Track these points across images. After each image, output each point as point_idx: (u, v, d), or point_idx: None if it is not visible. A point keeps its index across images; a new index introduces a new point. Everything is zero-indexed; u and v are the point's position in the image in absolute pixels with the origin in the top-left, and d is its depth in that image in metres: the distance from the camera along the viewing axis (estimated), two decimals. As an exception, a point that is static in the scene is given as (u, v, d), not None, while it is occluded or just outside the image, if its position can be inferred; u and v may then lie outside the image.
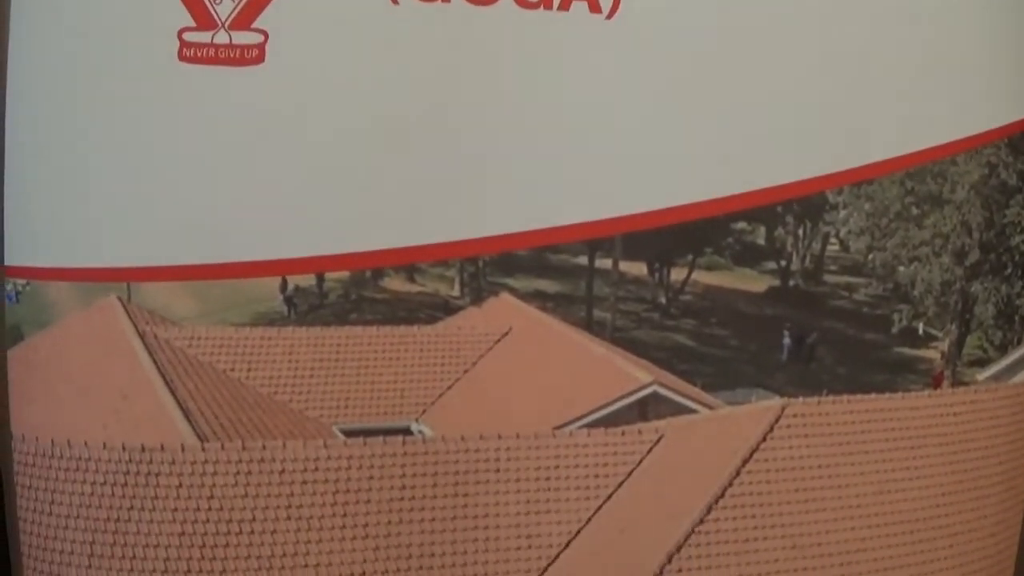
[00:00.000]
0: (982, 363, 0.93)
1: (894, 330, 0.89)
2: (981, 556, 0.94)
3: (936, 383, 0.91)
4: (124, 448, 0.83)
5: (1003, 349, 0.94)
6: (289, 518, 0.83)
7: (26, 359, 0.82)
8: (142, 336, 0.84)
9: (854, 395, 0.88)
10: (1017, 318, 0.94)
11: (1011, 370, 0.94)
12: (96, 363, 0.83)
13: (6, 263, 0.81)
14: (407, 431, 0.86)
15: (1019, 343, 0.94)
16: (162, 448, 0.83)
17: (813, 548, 0.88)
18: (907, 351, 0.89)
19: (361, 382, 0.85)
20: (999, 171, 0.90)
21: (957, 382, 0.92)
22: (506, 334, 0.87)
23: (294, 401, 0.85)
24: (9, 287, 0.82)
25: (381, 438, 0.84)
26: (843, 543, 0.89)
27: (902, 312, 0.89)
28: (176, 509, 0.83)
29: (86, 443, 0.82)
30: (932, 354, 0.91)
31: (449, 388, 0.86)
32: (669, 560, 0.86)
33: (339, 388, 0.85)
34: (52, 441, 0.83)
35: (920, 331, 0.90)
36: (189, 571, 0.83)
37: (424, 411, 0.86)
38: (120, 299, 0.81)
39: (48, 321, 0.82)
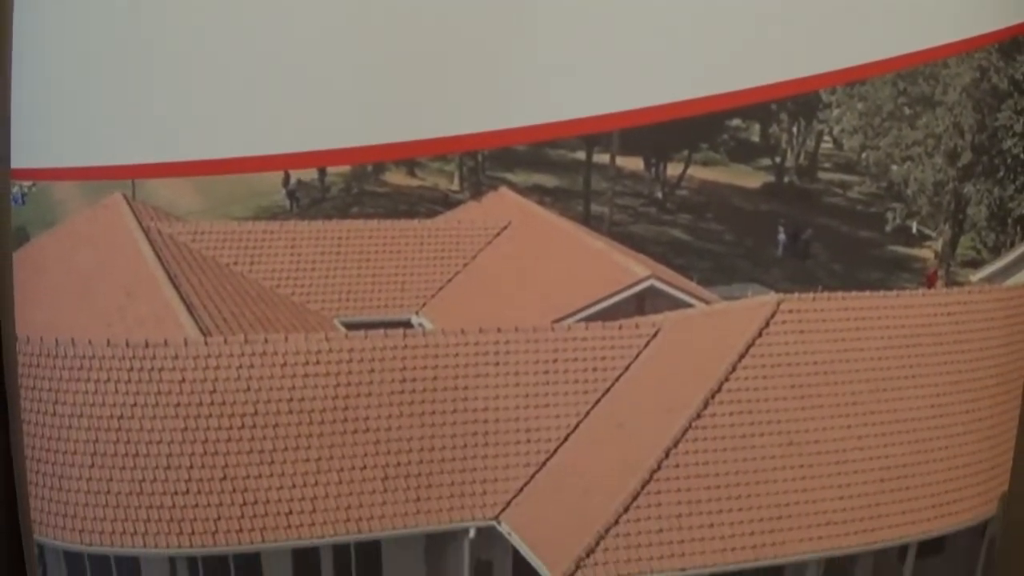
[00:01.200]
0: (976, 264, 1.11)
1: (888, 228, 1.07)
2: (977, 459, 1.12)
3: (930, 282, 1.09)
4: (128, 345, 0.95)
5: (996, 251, 1.12)
6: (291, 411, 0.99)
7: (31, 260, 0.93)
8: (146, 232, 0.99)
9: (849, 292, 1.06)
10: (1010, 221, 1.12)
11: (1005, 272, 1.12)
12: (101, 261, 0.97)
13: (13, 166, 0.95)
14: (408, 324, 1.02)
15: (1012, 246, 1.12)
16: (165, 343, 0.96)
17: (810, 445, 1.05)
18: (901, 249, 1.07)
19: (362, 275, 1.01)
20: (990, 75, 1.08)
21: (951, 282, 1.09)
22: (505, 228, 1.04)
23: (296, 294, 1.01)
24: (15, 189, 0.95)
25: (382, 331, 1.00)
26: (839, 441, 1.06)
27: (895, 211, 1.07)
28: (179, 404, 0.96)
29: (90, 341, 0.94)
30: (926, 253, 1.09)
31: (449, 281, 1.03)
32: (667, 455, 1.03)
33: (341, 281, 1.02)
34: (56, 341, 0.94)
35: (914, 230, 1.08)
36: (191, 466, 0.96)
37: (424, 304, 1.02)
38: (125, 196, 0.96)
39: (54, 221, 0.93)
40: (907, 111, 1.03)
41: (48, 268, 0.94)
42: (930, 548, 1.08)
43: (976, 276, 1.06)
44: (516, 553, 1.01)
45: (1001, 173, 1.06)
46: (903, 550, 1.08)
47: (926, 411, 1.04)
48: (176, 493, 0.97)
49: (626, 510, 0.98)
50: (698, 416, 0.99)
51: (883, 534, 1.04)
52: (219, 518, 0.98)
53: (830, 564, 1.05)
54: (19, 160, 0.93)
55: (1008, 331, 1.07)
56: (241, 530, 0.98)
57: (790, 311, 1.00)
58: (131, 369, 0.95)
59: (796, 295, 1.01)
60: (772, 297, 1.00)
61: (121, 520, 0.96)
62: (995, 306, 1.06)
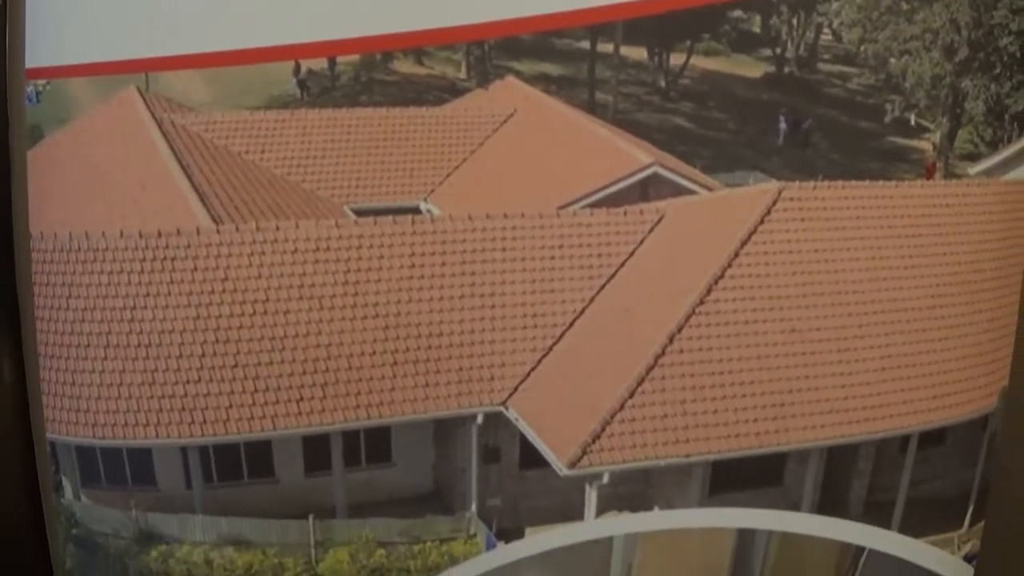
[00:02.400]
0: (973, 157, 1.32)
1: (887, 119, 1.27)
2: (977, 352, 1.31)
3: (929, 174, 1.30)
4: (141, 235, 1.09)
5: (994, 146, 1.32)
6: (301, 298, 1.17)
7: (46, 157, 1.06)
8: (160, 124, 1.18)
9: (848, 181, 1.27)
10: (1007, 117, 1.32)
11: (1003, 167, 1.33)
12: (115, 154, 1.14)
13: (27, 65, 1.05)
14: (416, 210, 1.23)
15: (1010, 141, 1.33)
16: (178, 232, 1.11)
17: (811, 333, 1.26)
18: (900, 140, 1.28)
19: (371, 162, 1.21)
20: (986, -27, 1.28)
21: (949, 174, 1.30)
22: (511, 116, 1.25)
23: (306, 181, 1.22)
24: (29, 89, 1.05)
25: (391, 217, 1.18)
26: (841, 329, 1.26)
27: (894, 103, 1.28)
28: (191, 293, 1.11)
29: (104, 234, 1.08)
30: (924, 145, 1.30)
31: (457, 168, 1.23)
32: (671, 340, 1.23)
33: (350, 168, 1.22)
34: (70, 235, 1.08)
35: (912, 122, 1.29)
36: (203, 355, 1.12)
37: (432, 191, 1.23)
38: (138, 89, 1.11)
39: (68, 118, 1.06)
40: (905, 6, 1.21)
41: (62, 164, 1.08)
42: (931, 440, 1.26)
43: (974, 169, 1.26)
44: (523, 439, 1.17)
45: (998, 70, 1.24)
46: (904, 441, 1.25)
47: (925, 301, 1.23)
48: (188, 382, 1.12)
49: (631, 395, 1.17)
50: (701, 302, 1.19)
51: (884, 424, 1.23)
52: (230, 406, 1.12)
53: (832, 453, 1.24)
54: (33, 59, 1.05)
55: (1006, 225, 1.25)
56: (252, 418, 1.13)
57: (791, 199, 1.20)
58: (144, 259, 1.10)
59: (797, 183, 1.19)
60: (773, 185, 1.19)
61: (133, 412, 1.11)
62: (993, 200, 1.25)
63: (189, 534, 1.16)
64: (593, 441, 1.11)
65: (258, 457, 1.15)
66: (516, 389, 1.11)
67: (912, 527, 1.20)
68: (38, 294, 1.10)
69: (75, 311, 1.10)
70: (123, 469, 1.15)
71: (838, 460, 1.17)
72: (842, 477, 1.18)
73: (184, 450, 1.14)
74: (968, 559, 1.26)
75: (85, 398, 1.11)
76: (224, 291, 1.11)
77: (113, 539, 1.16)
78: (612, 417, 1.10)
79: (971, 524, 1.25)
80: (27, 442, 1.17)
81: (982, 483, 1.24)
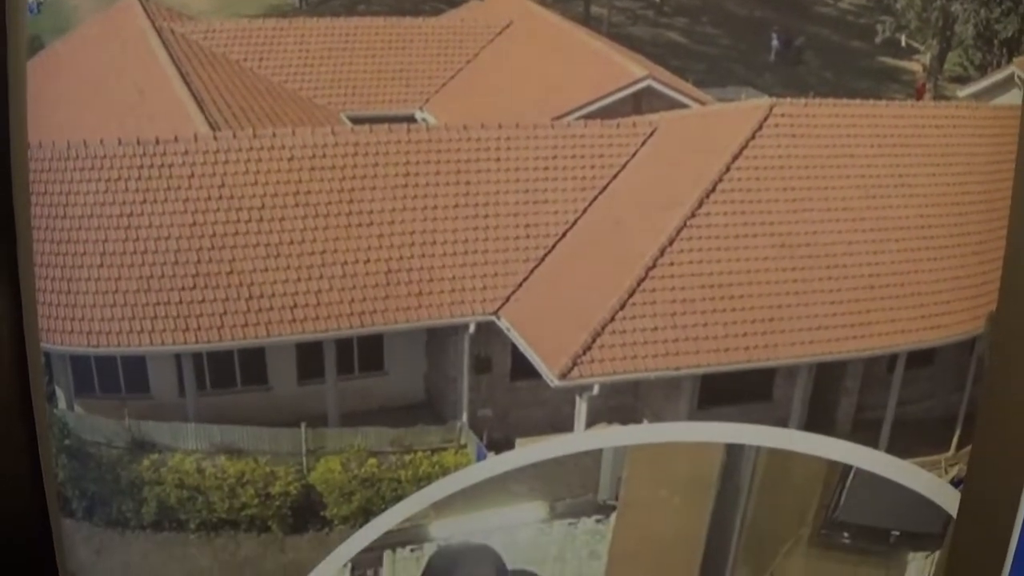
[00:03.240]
0: (963, 80, 1.35)
1: (877, 40, 1.30)
2: (965, 275, 1.34)
3: (918, 94, 1.33)
4: (138, 142, 1.13)
5: (983, 70, 1.35)
6: (296, 205, 1.20)
7: (45, 66, 1.09)
8: (159, 32, 1.21)
9: (839, 99, 1.30)
10: (996, 42, 1.35)
11: (991, 92, 1.36)
12: (114, 62, 1.17)
13: None
14: (411, 119, 1.25)
15: (999, 66, 1.37)
16: (176, 139, 1.15)
17: (802, 248, 1.29)
18: (890, 61, 1.31)
19: (368, 71, 1.24)
20: None
21: (939, 96, 1.34)
22: (507, 27, 1.27)
23: (304, 89, 1.24)
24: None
25: (386, 125, 1.21)
26: (831, 245, 1.29)
27: (885, 23, 1.31)
28: (187, 199, 1.15)
29: (102, 141, 1.12)
30: (914, 66, 1.33)
31: (452, 78, 1.26)
32: (662, 252, 1.26)
33: (347, 76, 1.24)
34: (68, 143, 1.12)
35: (903, 43, 1.32)
36: (199, 261, 1.15)
37: (428, 100, 1.25)
38: None
39: (68, 28, 1.10)
40: (897, -73, 1.25)
41: (62, 72, 1.11)
42: (919, 360, 1.30)
43: (963, 92, 1.29)
44: (515, 349, 1.21)
45: (986, -5, 1.28)
46: (892, 360, 1.29)
47: (914, 221, 1.27)
48: (183, 289, 1.15)
49: (622, 307, 1.20)
50: (692, 215, 1.22)
51: (872, 342, 1.26)
52: (225, 313, 1.16)
53: (821, 370, 1.27)
54: (32, -32, 1.06)
55: (994, 150, 1.28)
56: (247, 324, 1.16)
57: (782, 115, 1.23)
58: (141, 166, 1.14)
59: (788, 100, 1.23)
60: (765, 101, 1.23)
61: (128, 319, 1.14)
62: (982, 123, 1.28)
63: (182, 442, 1.19)
64: (584, 352, 1.14)
65: (251, 365, 1.19)
66: (508, 299, 1.14)
67: (899, 448, 1.24)
68: (35, 203, 1.12)
69: (72, 219, 1.13)
70: (117, 377, 1.18)
71: (826, 377, 1.20)
72: (830, 395, 1.21)
73: (178, 357, 1.17)
74: (955, 483, 1.29)
75: (80, 306, 1.14)
76: (220, 198, 1.15)
77: (106, 449, 1.18)
78: (603, 329, 1.13)
79: (958, 448, 1.28)
80: (20, 355, 1.18)
81: (969, 407, 1.27)
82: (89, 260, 1.13)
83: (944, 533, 1.31)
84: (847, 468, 1.26)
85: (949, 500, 1.29)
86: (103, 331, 1.14)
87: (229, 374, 1.19)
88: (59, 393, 1.17)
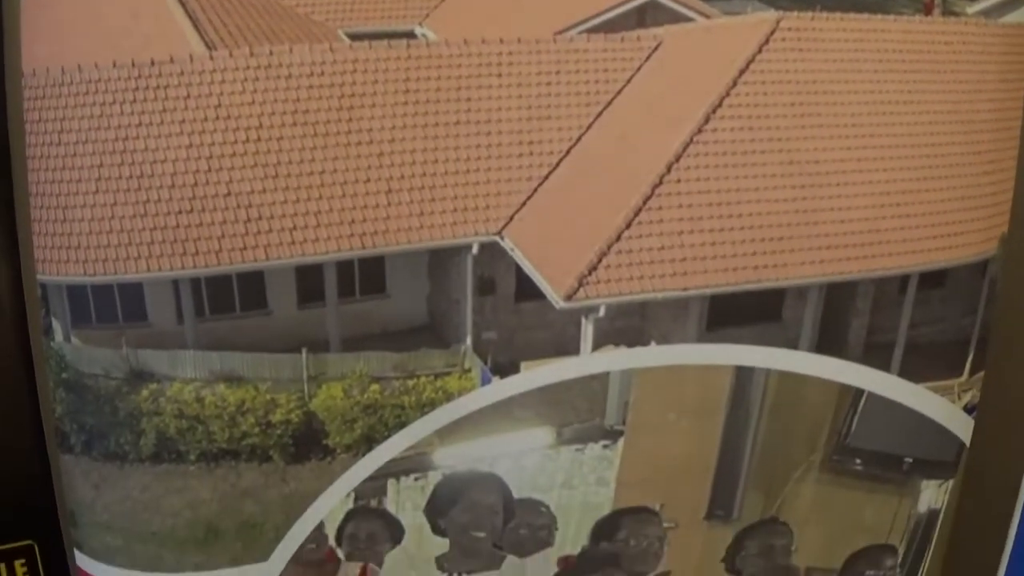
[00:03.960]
0: (972, -3, 1.33)
1: (886, -48, 1.29)
2: (977, 194, 1.33)
3: (927, 10, 1.32)
4: (133, 64, 1.12)
5: (993, -16, 1.34)
6: (295, 124, 1.19)
7: None
8: (151, -47, 1.19)
9: (847, 13, 1.28)
10: (1004, -45, 1.34)
11: (1001, 9, 1.34)
12: (108, -15, 1.16)
13: None
14: (411, 35, 1.24)
15: (1009, -19, 1.35)
16: (171, 60, 1.14)
17: (810, 165, 1.27)
18: (899, -26, 1.30)
19: None
20: None
21: (948, 11, 1.32)
22: None
23: (301, 6, 1.22)
24: None
25: (386, 41, 1.20)
26: (839, 162, 1.28)
27: (894, -65, 1.29)
28: (184, 121, 1.14)
29: (96, 64, 1.11)
30: (923, -20, 1.31)
31: None
32: (668, 169, 1.24)
33: None
34: (62, 69, 1.12)
35: None
36: (196, 184, 1.15)
37: (428, 15, 1.24)
38: None
39: None
40: None
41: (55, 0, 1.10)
42: (931, 282, 1.29)
43: (973, 8, 1.28)
44: (519, 270, 1.21)
45: (999, -92, 1.27)
46: (903, 281, 1.28)
47: (924, 138, 1.26)
48: (180, 212, 1.15)
49: (628, 226, 1.19)
50: (699, 130, 1.20)
51: (883, 262, 1.25)
52: (223, 236, 1.16)
53: (831, 291, 1.26)
54: None
55: (1004, 67, 1.28)
56: (245, 248, 1.16)
57: (789, 29, 1.21)
58: (136, 88, 1.13)
59: (795, 13, 1.22)
60: (772, 14, 1.21)
61: (125, 245, 1.14)
62: (991, 40, 1.27)
63: (180, 371, 1.20)
64: (589, 273, 1.13)
65: (250, 289, 1.19)
66: (512, 219, 1.13)
67: (912, 372, 1.23)
68: (29, 132, 1.13)
69: (67, 146, 1.13)
70: (114, 306, 1.17)
71: (837, 298, 1.19)
72: (841, 316, 1.20)
73: (176, 283, 1.17)
74: (968, 410, 1.27)
75: (76, 234, 1.14)
76: (217, 118, 1.14)
77: (103, 380, 1.19)
78: (608, 248, 1.12)
79: (971, 373, 1.27)
80: (16, 289, 1.20)
81: (982, 331, 1.26)
82: (84, 187, 1.13)
83: (957, 461, 1.30)
84: (858, 392, 1.27)
85: (962, 427, 1.28)
86: (99, 259, 1.14)
87: (228, 299, 1.19)
88: (56, 325, 1.18)
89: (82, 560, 1.25)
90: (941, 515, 1.34)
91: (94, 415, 1.19)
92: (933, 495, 1.33)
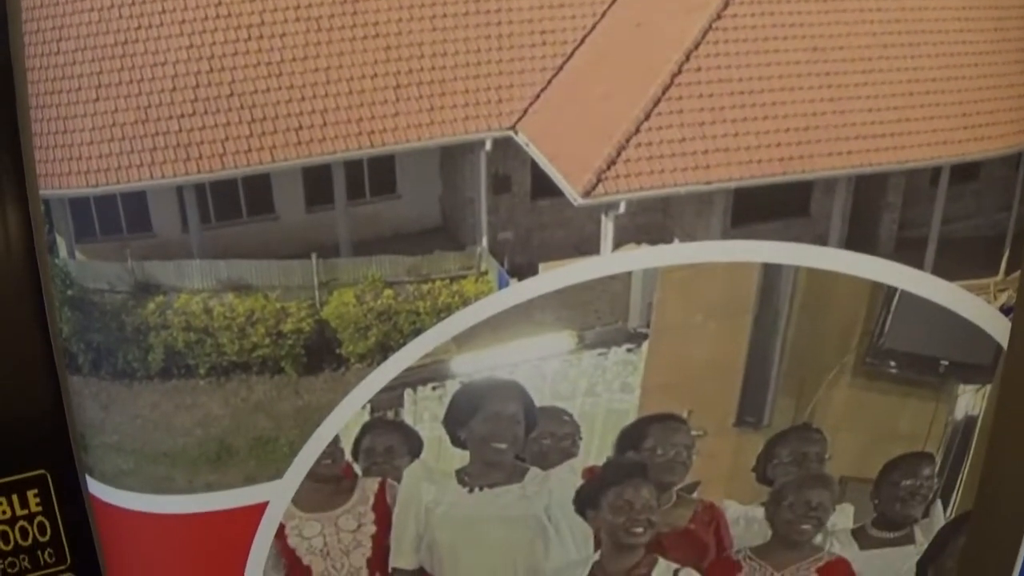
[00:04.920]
0: None
1: None
2: (1008, 83, 1.29)
3: None
4: None
5: None
6: (298, 19, 1.15)
7: None
8: None
9: None
10: None
11: None
12: None
13: None
14: None
15: None
16: None
17: (835, 52, 1.23)
18: None
19: None
20: None
21: None
22: None
23: None
24: None
25: (389, -71, 1.17)
26: (865, 48, 1.23)
27: None
28: (183, 21, 1.12)
29: None
30: None
31: None
32: (687, 57, 1.20)
33: None
34: None
35: None
36: (197, 85, 1.12)
37: None
38: None
39: None
40: None
41: None
42: (963, 175, 1.26)
43: None
44: (535, 166, 1.19)
45: None
46: (935, 173, 1.24)
47: (953, 24, 1.22)
48: (183, 116, 1.13)
49: (647, 118, 1.15)
50: (719, 16, 1.16)
51: (912, 153, 1.21)
52: (227, 139, 1.14)
53: (860, 184, 1.22)
54: None
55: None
56: (250, 150, 1.14)
57: (813, -90, 1.17)
58: None
59: None
60: None
61: (127, 153, 1.13)
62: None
63: (187, 281, 1.18)
64: (608, 167, 1.10)
65: (257, 193, 1.17)
66: (526, 112, 1.11)
67: (946, 269, 1.21)
68: (28, 43, 1.12)
69: (65, 54, 1.11)
70: (117, 217, 1.16)
71: (867, 191, 1.16)
72: (871, 210, 1.16)
73: (180, 190, 1.15)
74: (1004, 311, 1.23)
75: (77, 145, 1.13)
76: (218, 16, 1.12)
77: (109, 295, 1.17)
78: (627, 141, 1.09)
79: (1007, 272, 1.22)
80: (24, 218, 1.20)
81: (1017, 227, 1.20)
82: (85, 95, 1.12)
83: (995, 365, 1.26)
84: (891, 291, 1.25)
85: (999, 328, 1.24)
86: (101, 168, 1.12)
87: (234, 204, 1.17)
88: (60, 242, 1.17)
89: (94, 486, 1.25)
90: (979, 422, 1.28)
91: (101, 332, 1.18)
92: (971, 400, 1.28)
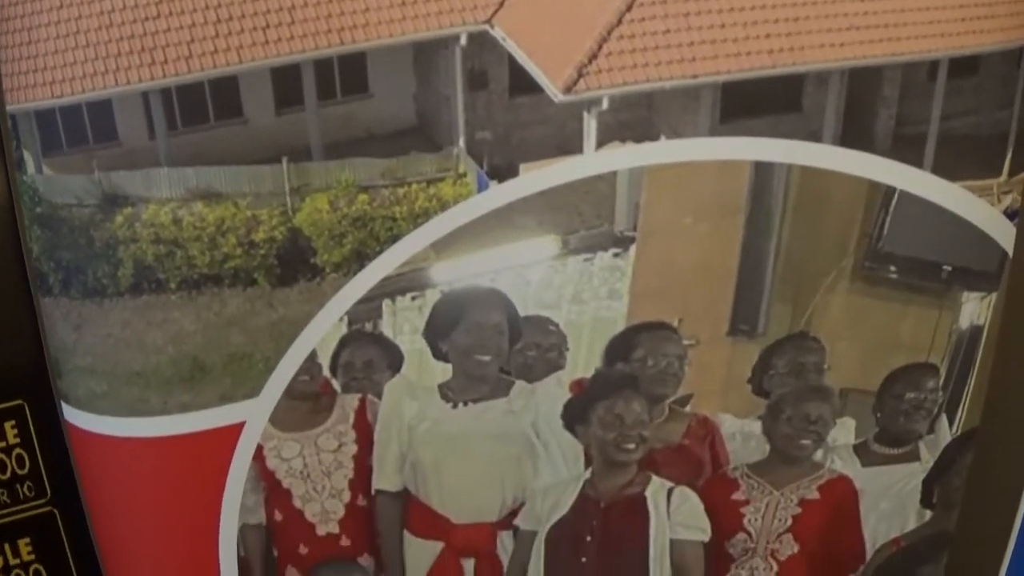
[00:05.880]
0: None
1: None
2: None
3: None
4: None
5: None
6: None
7: None
8: None
9: None
10: None
11: None
12: None
13: None
14: None
15: None
16: None
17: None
18: None
19: None
20: None
21: None
22: None
23: None
24: None
25: None
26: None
27: None
28: None
29: None
30: None
31: None
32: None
33: None
34: None
35: None
36: None
37: None
38: None
39: None
40: None
41: None
42: (962, 69, 1.21)
43: None
44: (512, 61, 1.16)
45: None
46: (933, 68, 1.19)
47: None
48: (147, 19, 1.10)
49: (629, 8, 1.12)
50: None
51: (908, 45, 1.17)
52: (192, 40, 1.11)
53: (855, 77, 1.18)
54: None
55: None
56: (216, 51, 1.12)
57: None
58: None
59: None
60: None
61: (92, 60, 1.10)
62: None
63: (155, 191, 1.16)
64: (589, 61, 1.07)
65: (224, 96, 1.15)
66: (502, 4, 1.07)
67: (946, 169, 1.19)
68: None
69: None
70: (83, 128, 1.14)
71: (861, 85, 1.13)
72: (866, 105, 1.12)
73: (146, 96, 1.12)
74: (1009, 215, 1.17)
75: (42, 55, 1.11)
76: None
77: (77, 210, 1.15)
78: (609, 33, 1.06)
79: (1010, 174, 1.17)
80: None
81: (1020, 127, 1.14)
82: (47, 3, 1.09)
83: (1000, 272, 1.20)
84: (890, 191, 1.23)
85: (1003, 233, 1.20)
86: (67, 78, 1.10)
87: (201, 109, 1.15)
88: (27, 158, 1.14)
89: (69, 413, 1.23)
90: (985, 333, 1.23)
91: (70, 249, 1.16)
92: (975, 309, 1.24)
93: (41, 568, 1.32)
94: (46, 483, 1.31)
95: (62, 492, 1.32)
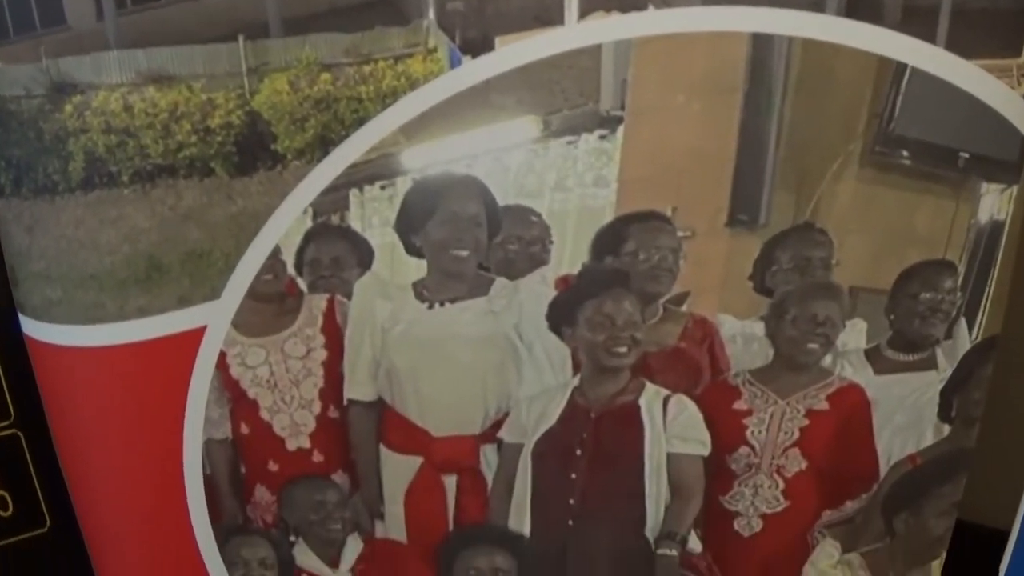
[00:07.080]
0: None
1: None
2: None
3: None
4: None
5: None
6: None
7: None
8: None
9: None
10: None
11: None
12: None
13: None
14: None
15: None
16: None
17: None
18: None
19: None
20: None
21: None
22: None
23: None
24: None
25: None
26: None
27: None
28: None
29: None
30: None
31: None
32: None
33: None
34: None
35: None
36: None
37: None
38: None
39: None
40: None
41: None
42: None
43: None
44: None
45: None
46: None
47: None
48: None
49: None
50: None
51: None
52: None
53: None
54: None
55: None
56: None
57: None
58: None
59: None
60: None
61: None
62: None
63: (105, 76, 1.11)
64: None
65: None
66: None
67: (961, 45, 1.14)
68: None
69: None
70: (30, 12, 1.09)
71: None
72: (873, -27, 1.03)
73: None
74: (1029, 96, 1.11)
75: None
76: None
77: (25, 101, 1.10)
78: None
79: (1032, 53, 1.11)
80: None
81: (1042, 2, 1.09)
82: None
83: (1021, 163, 1.10)
84: (900, 68, 1.14)
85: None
86: None
87: None
88: None
89: (27, 325, 1.19)
90: (1006, 229, 1.13)
91: (19, 145, 1.11)
92: (995, 202, 1.16)
93: (6, 495, 1.26)
94: (9, 403, 1.27)
95: (26, 414, 1.28)
